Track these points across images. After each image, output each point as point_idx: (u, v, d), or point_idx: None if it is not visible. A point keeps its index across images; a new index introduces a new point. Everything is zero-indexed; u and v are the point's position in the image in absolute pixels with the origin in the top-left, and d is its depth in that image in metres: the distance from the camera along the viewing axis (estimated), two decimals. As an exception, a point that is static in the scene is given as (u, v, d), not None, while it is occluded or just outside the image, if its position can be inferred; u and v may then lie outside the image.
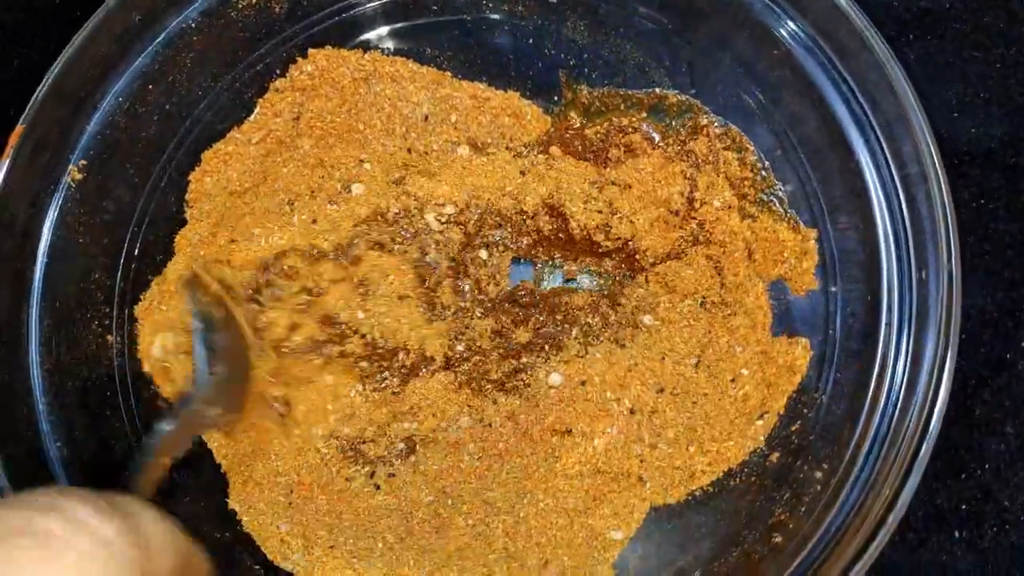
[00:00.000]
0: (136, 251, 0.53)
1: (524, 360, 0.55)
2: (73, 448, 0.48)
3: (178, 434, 0.47)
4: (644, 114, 0.58)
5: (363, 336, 0.54)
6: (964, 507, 0.56)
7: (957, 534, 0.56)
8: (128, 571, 0.31)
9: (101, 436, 0.50)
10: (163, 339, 0.52)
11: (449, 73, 0.58)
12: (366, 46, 0.58)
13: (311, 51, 0.56)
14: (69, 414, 0.48)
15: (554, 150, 0.57)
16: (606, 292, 0.57)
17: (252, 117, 0.56)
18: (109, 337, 0.52)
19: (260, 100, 0.56)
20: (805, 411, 0.53)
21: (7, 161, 0.46)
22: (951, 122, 0.62)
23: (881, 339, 0.50)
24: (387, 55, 0.58)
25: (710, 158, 0.56)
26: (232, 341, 0.51)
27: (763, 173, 0.56)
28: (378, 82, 0.57)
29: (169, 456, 0.47)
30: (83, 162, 0.50)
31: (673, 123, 0.58)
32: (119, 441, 0.51)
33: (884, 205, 0.51)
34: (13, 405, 0.47)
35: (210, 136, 0.56)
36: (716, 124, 0.57)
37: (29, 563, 0.29)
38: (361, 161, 0.56)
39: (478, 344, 0.55)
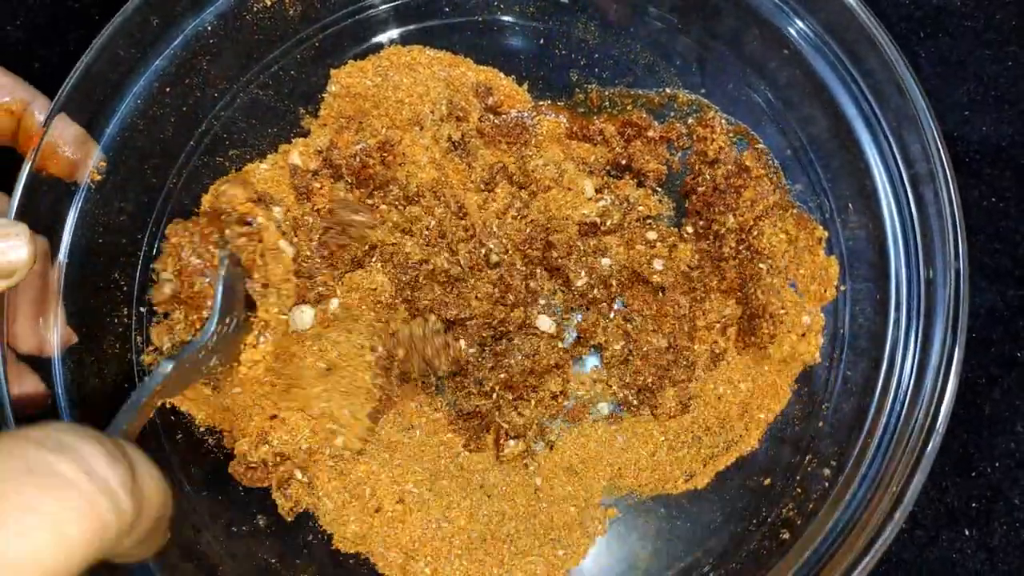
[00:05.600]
0: (154, 251, 0.54)
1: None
2: (93, 443, 0.49)
3: (176, 379, 0.46)
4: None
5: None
6: (974, 505, 0.56)
7: (967, 532, 0.56)
8: (120, 523, 0.31)
9: (120, 432, 0.51)
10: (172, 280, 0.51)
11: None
12: (378, 49, 0.59)
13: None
14: (90, 412, 0.49)
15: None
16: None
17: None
18: (129, 336, 0.53)
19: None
20: (814, 408, 0.53)
21: (29, 164, 0.47)
22: (962, 120, 0.62)
23: (889, 337, 0.50)
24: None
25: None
26: (244, 291, 0.50)
27: (774, 171, 0.56)
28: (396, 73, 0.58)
29: (160, 401, 0.46)
30: (102, 163, 0.51)
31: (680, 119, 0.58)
32: (139, 439, 0.52)
33: (893, 204, 0.51)
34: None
35: (226, 138, 0.57)
36: (725, 120, 0.57)
37: (35, 502, 0.28)
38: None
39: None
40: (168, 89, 0.53)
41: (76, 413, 0.49)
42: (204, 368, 0.48)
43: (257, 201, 0.53)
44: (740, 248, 0.55)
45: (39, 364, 0.48)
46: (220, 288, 0.48)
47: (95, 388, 0.50)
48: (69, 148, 0.49)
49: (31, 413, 0.46)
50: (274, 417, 0.51)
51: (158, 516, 0.35)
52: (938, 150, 0.48)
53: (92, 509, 0.29)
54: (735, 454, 0.54)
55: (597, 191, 0.57)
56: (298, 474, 0.53)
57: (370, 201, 0.56)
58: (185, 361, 0.46)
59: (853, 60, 0.51)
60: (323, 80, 0.58)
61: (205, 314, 0.49)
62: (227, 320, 0.49)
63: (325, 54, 0.58)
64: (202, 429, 0.54)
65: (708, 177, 0.56)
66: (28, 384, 0.46)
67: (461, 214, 0.57)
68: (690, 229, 0.57)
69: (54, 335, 0.48)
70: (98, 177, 0.50)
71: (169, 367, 0.45)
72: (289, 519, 0.53)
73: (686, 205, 0.58)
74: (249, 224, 0.51)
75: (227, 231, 0.51)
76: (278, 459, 0.52)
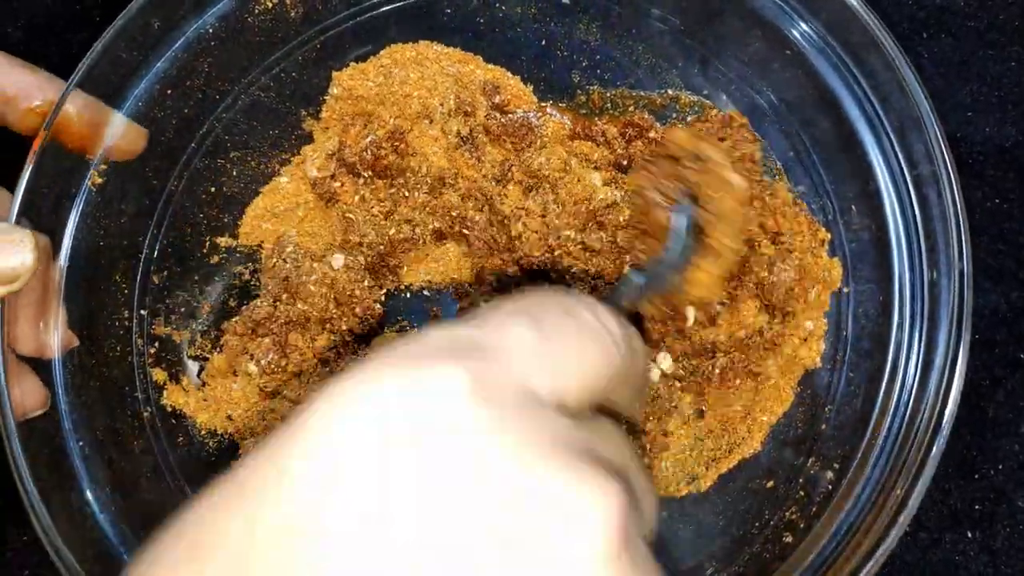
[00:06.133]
0: (155, 254, 0.54)
1: None
2: (94, 447, 0.49)
3: (645, 292, 0.52)
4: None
5: None
6: (977, 507, 0.56)
7: (970, 534, 0.56)
8: (621, 368, 0.35)
9: (121, 436, 0.51)
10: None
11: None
12: (379, 50, 0.59)
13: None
14: (90, 414, 0.49)
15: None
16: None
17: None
18: (130, 339, 0.53)
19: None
20: (817, 411, 0.53)
21: (30, 167, 0.47)
22: (965, 121, 0.62)
23: (893, 339, 0.50)
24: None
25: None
26: (697, 221, 0.53)
27: (776, 172, 0.56)
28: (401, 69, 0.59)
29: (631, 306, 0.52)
30: (103, 166, 0.51)
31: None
32: (140, 441, 0.52)
33: (896, 205, 0.51)
34: (36, 405, 0.48)
35: (227, 140, 0.57)
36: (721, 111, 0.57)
37: (575, 340, 0.33)
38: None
39: None
40: (169, 91, 0.53)
41: (77, 415, 0.48)
42: (665, 284, 0.52)
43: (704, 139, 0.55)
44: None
45: (40, 366, 0.48)
46: (682, 219, 0.52)
47: (96, 391, 0.50)
48: (85, 117, 0.49)
49: (32, 414, 0.46)
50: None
51: (639, 374, 0.40)
52: (941, 151, 0.48)
53: (607, 349, 0.34)
54: (737, 457, 0.54)
55: (605, 184, 0.57)
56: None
57: (392, 190, 0.56)
58: (652, 274, 0.52)
59: (856, 61, 0.51)
60: (325, 82, 0.58)
61: (669, 243, 0.52)
62: (684, 246, 0.52)
63: (327, 56, 0.58)
64: (203, 432, 0.54)
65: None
66: (29, 385, 0.46)
67: (486, 205, 0.57)
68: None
69: (55, 338, 0.48)
70: (99, 180, 0.50)
71: (641, 279, 0.52)
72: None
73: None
74: (702, 160, 0.53)
75: (682, 169, 0.53)
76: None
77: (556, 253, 0.55)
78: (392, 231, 0.57)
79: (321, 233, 0.58)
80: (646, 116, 0.58)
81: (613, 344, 0.34)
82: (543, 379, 0.29)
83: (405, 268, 0.58)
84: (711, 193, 0.51)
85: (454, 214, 0.57)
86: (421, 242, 0.57)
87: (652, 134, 0.57)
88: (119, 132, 0.51)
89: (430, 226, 0.57)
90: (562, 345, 0.31)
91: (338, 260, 0.55)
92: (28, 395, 0.46)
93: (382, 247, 0.56)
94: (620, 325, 0.36)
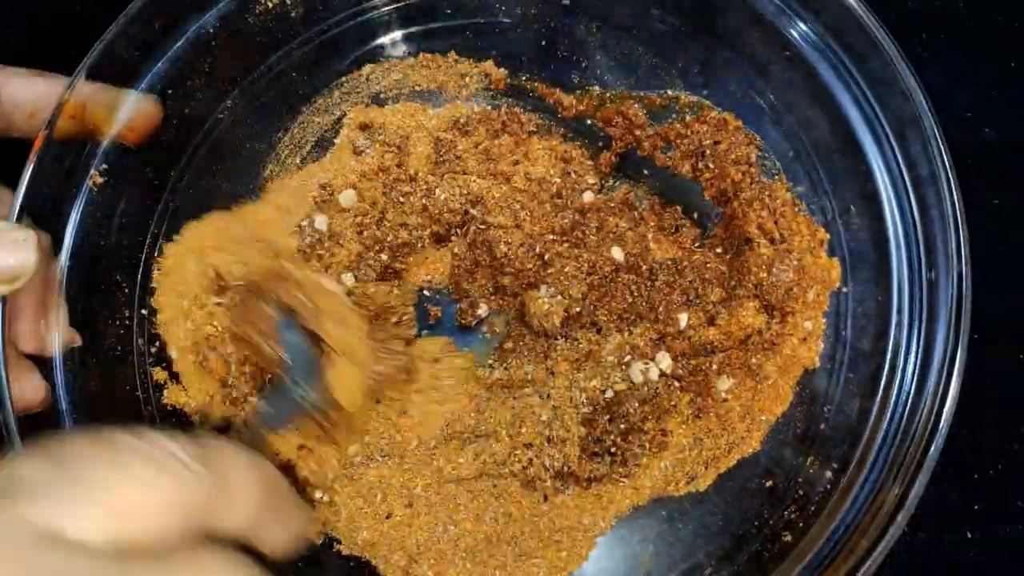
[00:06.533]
0: (156, 254, 0.54)
1: None
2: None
3: (283, 421, 0.50)
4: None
5: None
6: (976, 507, 0.56)
7: (969, 534, 0.56)
8: (196, 487, 0.34)
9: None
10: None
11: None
12: (380, 50, 0.59)
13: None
14: (91, 413, 0.49)
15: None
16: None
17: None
18: (131, 338, 0.53)
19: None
20: (816, 410, 0.53)
21: (31, 167, 0.47)
22: (965, 122, 0.62)
23: (891, 339, 0.50)
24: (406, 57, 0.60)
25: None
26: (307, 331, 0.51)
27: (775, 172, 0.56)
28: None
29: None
30: (104, 166, 0.51)
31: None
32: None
33: (895, 206, 0.51)
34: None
35: (228, 140, 0.57)
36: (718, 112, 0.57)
37: (136, 472, 0.32)
38: None
39: None
40: (170, 91, 0.53)
41: (77, 415, 0.48)
42: (307, 404, 0.50)
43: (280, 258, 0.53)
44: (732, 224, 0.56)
45: (40, 364, 0.48)
46: (292, 335, 0.50)
47: (96, 390, 0.50)
48: (99, 99, 0.49)
49: (32, 413, 0.47)
50: (302, 448, 0.52)
51: (264, 497, 0.37)
52: (940, 152, 0.48)
53: (163, 467, 0.33)
54: (737, 456, 0.54)
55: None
56: (318, 494, 0.53)
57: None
58: (284, 400, 0.50)
59: (855, 62, 0.51)
60: (325, 83, 0.59)
61: (289, 363, 0.50)
62: (305, 359, 0.50)
63: (327, 56, 0.58)
64: (203, 431, 0.54)
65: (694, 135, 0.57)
66: (29, 385, 0.47)
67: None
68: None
69: (56, 336, 0.48)
70: (100, 180, 0.51)
71: (271, 408, 0.50)
72: (318, 541, 0.53)
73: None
74: (283, 278, 0.51)
75: (268, 295, 0.51)
76: (303, 485, 0.52)
77: (546, 257, 0.56)
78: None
79: None
80: (637, 109, 0.58)
81: (181, 468, 0.33)
82: (71, 519, 0.30)
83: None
84: (306, 301, 0.50)
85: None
86: (420, 245, 0.58)
87: (638, 132, 0.58)
88: (134, 108, 0.51)
89: (428, 230, 0.58)
90: (89, 479, 0.31)
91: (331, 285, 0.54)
92: (28, 390, 0.46)
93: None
94: (181, 442, 0.34)
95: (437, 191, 0.57)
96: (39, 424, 0.47)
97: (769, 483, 0.53)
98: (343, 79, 0.59)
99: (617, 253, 0.56)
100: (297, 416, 0.50)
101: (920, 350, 0.48)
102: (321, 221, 0.56)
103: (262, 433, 0.50)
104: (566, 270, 0.55)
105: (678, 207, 0.58)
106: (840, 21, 0.51)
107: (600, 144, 0.59)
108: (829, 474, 0.50)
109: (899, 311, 0.50)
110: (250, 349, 0.52)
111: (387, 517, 0.53)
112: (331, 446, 0.52)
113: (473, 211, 0.57)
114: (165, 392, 0.53)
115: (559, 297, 0.55)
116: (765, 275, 0.54)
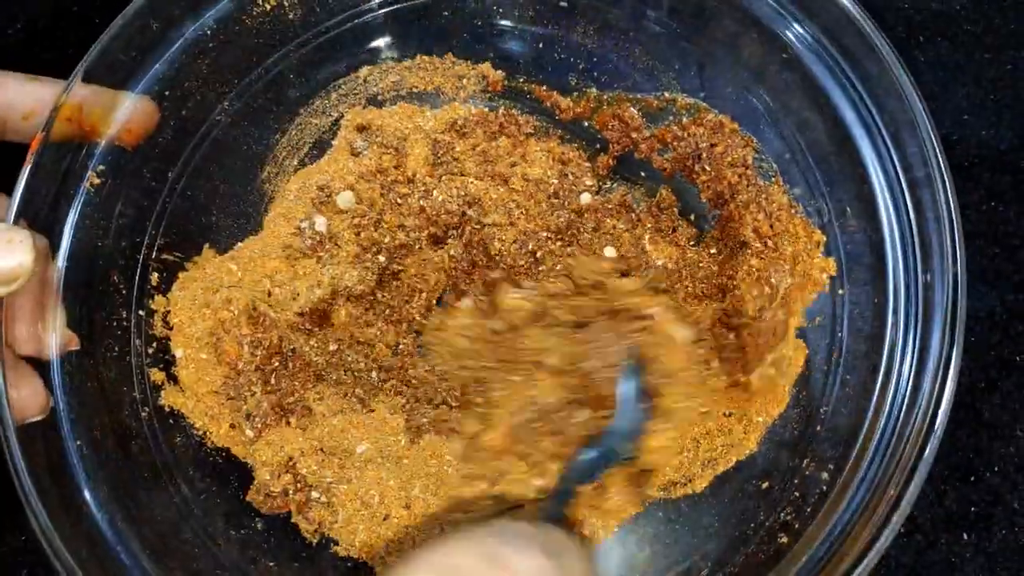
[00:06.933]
0: (153, 255, 0.54)
1: None
2: (92, 447, 0.49)
3: (598, 469, 0.50)
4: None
5: None
6: (973, 510, 0.56)
7: (965, 537, 0.56)
8: None
9: (120, 436, 0.51)
10: None
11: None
12: (378, 52, 0.59)
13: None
14: (88, 414, 0.49)
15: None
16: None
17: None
18: (128, 340, 0.53)
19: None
20: (812, 412, 0.53)
21: (28, 169, 0.47)
22: (961, 124, 0.62)
23: (887, 341, 0.50)
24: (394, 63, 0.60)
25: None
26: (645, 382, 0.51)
27: (772, 174, 0.56)
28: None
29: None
30: (101, 167, 0.51)
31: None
32: (137, 441, 0.52)
33: (891, 208, 0.51)
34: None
35: (225, 142, 0.57)
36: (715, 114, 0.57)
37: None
38: None
39: None
40: (167, 93, 0.53)
41: (75, 415, 0.48)
42: (620, 454, 0.51)
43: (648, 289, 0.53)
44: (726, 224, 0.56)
45: (38, 367, 0.48)
46: (630, 386, 0.50)
47: (94, 391, 0.50)
48: (93, 104, 0.49)
49: (32, 419, 0.47)
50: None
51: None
52: (936, 154, 0.48)
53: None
54: (733, 457, 0.54)
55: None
56: (315, 494, 0.53)
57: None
58: (602, 449, 0.50)
59: (851, 64, 0.51)
60: (322, 84, 0.59)
61: (617, 414, 0.50)
62: (634, 411, 0.50)
63: (325, 58, 0.59)
64: (200, 432, 0.54)
65: (691, 138, 0.57)
66: (30, 389, 0.47)
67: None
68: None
69: (54, 338, 0.48)
70: (97, 181, 0.51)
71: (593, 453, 0.50)
72: (314, 540, 0.53)
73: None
74: (644, 318, 0.51)
75: (622, 328, 0.51)
76: (299, 485, 0.52)
77: (538, 255, 0.56)
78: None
79: None
80: (633, 111, 0.58)
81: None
82: None
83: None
84: (655, 353, 0.50)
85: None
86: (417, 247, 0.58)
87: (635, 134, 0.58)
88: (131, 109, 0.51)
89: (425, 231, 0.58)
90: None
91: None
92: (28, 399, 0.46)
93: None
94: (552, 550, 0.39)
95: (435, 193, 0.57)
96: (36, 426, 0.47)
97: (765, 485, 0.53)
98: (340, 81, 0.60)
99: (610, 252, 0.56)
100: (605, 468, 0.51)
101: (916, 352, 0.48)
102: (321, 222, 0.56)
103: (571, 488, 0.50)
104: (557, 267, 0.55)
105: (675, 209, 0.58)
106: (836, 23, 0.51)
107: (597, 146, 0.60)
108: (825, 476, 0.50)
109: (895, 313, 0.50)
110: (582, 382, 0.51)
111: (384, 519, 0.53)
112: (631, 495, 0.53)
113: (470, 212, 0.57)
114: (162, 393, 0.53)
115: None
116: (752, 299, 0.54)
